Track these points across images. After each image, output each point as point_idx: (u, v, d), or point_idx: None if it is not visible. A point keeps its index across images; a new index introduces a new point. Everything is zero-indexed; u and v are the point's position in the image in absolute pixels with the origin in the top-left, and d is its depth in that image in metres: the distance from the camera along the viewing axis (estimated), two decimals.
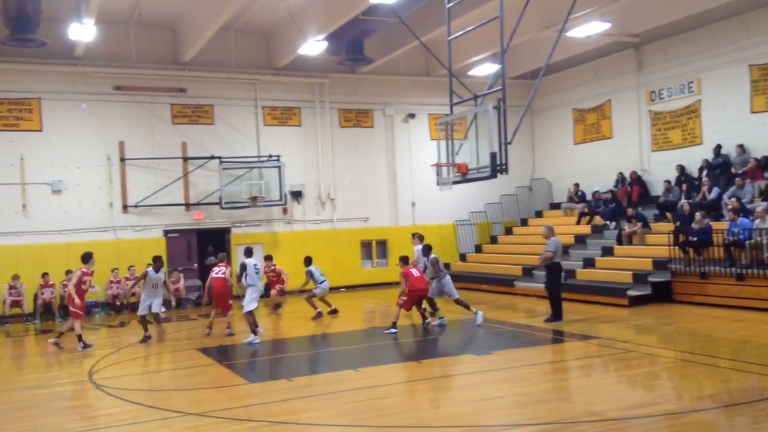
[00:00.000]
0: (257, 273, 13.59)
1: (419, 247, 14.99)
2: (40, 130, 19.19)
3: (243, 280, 13.40)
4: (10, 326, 17.06)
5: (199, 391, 9.71)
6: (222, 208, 20.42)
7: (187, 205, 20.70)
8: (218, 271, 14.27)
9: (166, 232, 20.47)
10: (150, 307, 13.80)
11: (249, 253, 13.99)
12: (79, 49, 18.52)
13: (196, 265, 20.93)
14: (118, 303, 18.89)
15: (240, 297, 13.80)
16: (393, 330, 13.26)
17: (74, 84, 19.48)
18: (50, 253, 18.71)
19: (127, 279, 19.04)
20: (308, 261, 16.52)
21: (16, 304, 17.52)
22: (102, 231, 19.70)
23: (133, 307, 18.78)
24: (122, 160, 20.00)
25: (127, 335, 15.28)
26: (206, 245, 21.11)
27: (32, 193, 18.99)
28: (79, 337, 13.08)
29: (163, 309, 14.58)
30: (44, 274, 17.92)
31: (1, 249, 18.37)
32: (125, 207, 19.99)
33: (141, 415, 8.30)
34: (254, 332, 13.05)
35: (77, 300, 13.23)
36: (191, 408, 8.52)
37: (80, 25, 16.03)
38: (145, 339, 13.72)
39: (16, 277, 17.59)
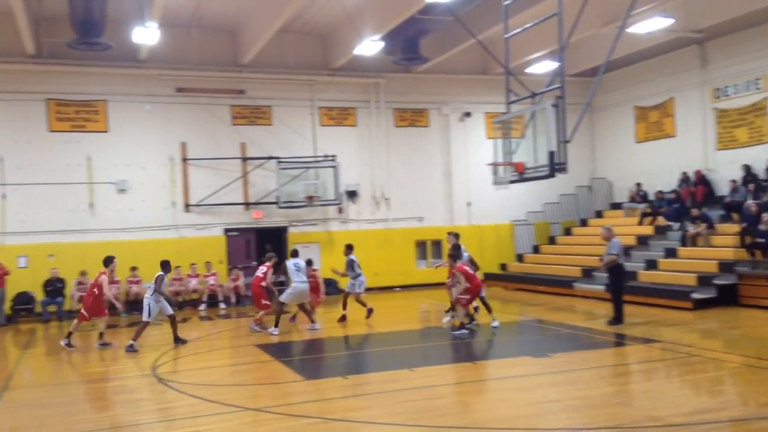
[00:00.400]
0: (298, 271, 14.15)
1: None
2: (106, 131, 19.84)
3: (270, 278, 14.43)
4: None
5: (257, 386, 9.88)
6: (279, 207, 20.72)
7: (246, 205, 21.08)
8: (259, 270, 14.74)
9: (226, 231, 20.89)
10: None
11: (294, 254, 14.60)
12: (143, 52, 19.06)
13: (254, 263, 21.26)
14: (180, 299, 19.35)
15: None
16: (464, 330, 13.06)
17: (138, 86, 20.07)
18: (116, 251, 19.14)
19: (189, 276, 19.48)
20: (349, 249, 15.86)
21: (83, 299, 18.11)
22: (165, 229, 20.23)
23: (195, 303, 19.30)
24: (184, 160, 20.51)
25: (189, 330, 15.64)
26: (264, 244, 21.43)
27: (99, 192, 19.65)
28: (101, 335, 13.56)
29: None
30: (174, 269, 18.54)
31: (70, 246, 19.06)
32: (187, 206, 20.49)
33: (201, 409, 8.49)
34: (277, 325, 13.89)
35: (117, 304, 14.20)
36: (249, 403, 8.67)
37: (144, 29, 16.50)
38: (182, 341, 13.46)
39: (83, 273, 18.22)
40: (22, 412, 9.00)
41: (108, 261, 13.88)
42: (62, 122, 19.45)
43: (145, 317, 13.00)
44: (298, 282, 14.12)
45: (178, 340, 13.37)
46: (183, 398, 9.04)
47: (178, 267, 19.43)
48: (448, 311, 14.78)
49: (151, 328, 16.33)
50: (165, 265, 13.69)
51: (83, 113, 19.68)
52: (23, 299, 18.29)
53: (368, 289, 21.90)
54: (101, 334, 13.66)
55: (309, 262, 15.16)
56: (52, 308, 18.03)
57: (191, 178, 20.56)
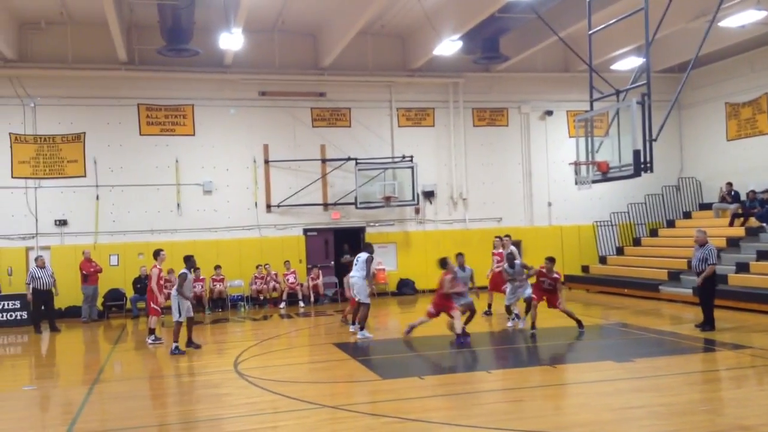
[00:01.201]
0: (355, 264, 13.91)
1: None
2: (193, 135, 20.56)
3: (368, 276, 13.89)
4: (165, 317, 18.37)
5: (335, 384, 10.02)
6: (357, 207, 20.93)
7: (325, 205, 21.40)
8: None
9: (305, 231, 21.28)
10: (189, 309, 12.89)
11: (364, 248, 14.42)
12: (228, 58, 19.65)
13: (332, 262, 21.59)
14: (261, 297, 19.83)
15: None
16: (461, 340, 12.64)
17: (223, 90, 20.71)
18: (201, 250, 19.95)
19: (257, 277, 19.86)
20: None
21: (170, 297, 18.79)
22: (248, 229, 20.79)
23: (275, 301, 19.73)
24: (266, 162, 21.01)
25: (270, 328, 16.03)
26: (342, 244, 21.72)
27: (185, 194, 20.39)
28: (151, 331, 13.67)
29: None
30: (196, 269, 19.11)
31: (158, 245, 19.79)
32: (269, 206, 20.98)
33: (280, 405, 8.68)
34: (362, 327, 13.43)
35: (160, 297, 13.72)
36: (327, 401, 8.80)
37: (229, 35, 17.00)
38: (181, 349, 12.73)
39: (171, 272, 18.91)
40: (112, 404, 9.45)
41: (156, 254, 13.91)
42: (152, 126, 20.29)
43: (175, 317, 12.65)
44: (358, 278, 13.82)
45: (191, 344, 12.96)
46: (264, 394, 9.26)
47: (260, 265, 19.89)
48: (510, 318, 14.51)
49: (233, 325, 16.90)
50: (188, 261, 12.88)
51: (171, 117, 20.47)
52: (114, 296, 19.20)
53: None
54: (151, 330, 13.79)
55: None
56: (141, 305, 18.80)
57: (273, 180, 21.04)
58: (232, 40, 17.28)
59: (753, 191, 19.92)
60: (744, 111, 21.60)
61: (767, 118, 20.75)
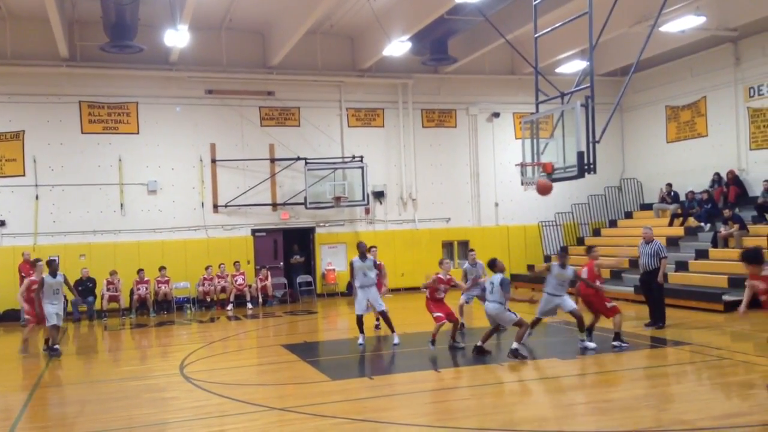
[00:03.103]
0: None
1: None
2: (137, 133, 20.12)
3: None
4: (108, 320, 17.95)
5: (284, 386, 9.94)
6: (307, 208, 20.83)
7: (274, 205, 21.22)
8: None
9: (253, 231, 21.06)
10: (57, 316, 12.50)
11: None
12: (174, 55, 19.30)
13: (282, 263, 21.42)
14: (209, 299, 19.54)
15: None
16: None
17: (169, 88, 20.33)
18: (145, 251, 19.62)
19: (219, 276, 19.66)
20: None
21: (113, 299, 18.41)
22: (194, 230, 20.46)
23: (222, 303, 19.47)
24: (213, 161, 20.72)
25: (217, 331, 15.81)
26: (291, 244, 21.58)
27: (129, 193, 19.94)
28: (25, 341, 12.82)
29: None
30: (139, 271, 18.76)
31: (101, 246, 19.38)
32: (216, 207, 20.70)
33: (228, 408, 8.56)
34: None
35: (25, 306, 13.11)
36: (276, 403, 8.73)
37: (175, 32, 16.70)
38: (55, 351, 12.54)
39: (113, 273, 18.50)
40: (53, 410, 9.17)
41: (34, 263, 13.50)
42: (94, 124, 19.78)
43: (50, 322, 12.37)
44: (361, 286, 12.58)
45: (50, 349, 12.57)
46: (211, 397, 9.13)
47: (209, 266, 19.61)
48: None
49: (178, 327, 16.60)
50: (50, 266, 12.73)
51: (115, 115, 19.99)
52: None
53: (394, 290, 22.02)
54: (25, 340, 12.93)
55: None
56: (82, 308, 18.33)
57: (220, 179, 20.76)
58: (177, 37, 16.98)
59: (692, 192, 20.59)
60: (683, 114, 22.30)
61: (705, 121, 21.47)
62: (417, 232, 22.53)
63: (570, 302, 11.56)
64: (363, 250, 12.51)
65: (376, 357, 12.31)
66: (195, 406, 8.74)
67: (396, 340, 12.42)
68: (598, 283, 11.57)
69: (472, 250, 14.18)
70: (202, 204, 20.60)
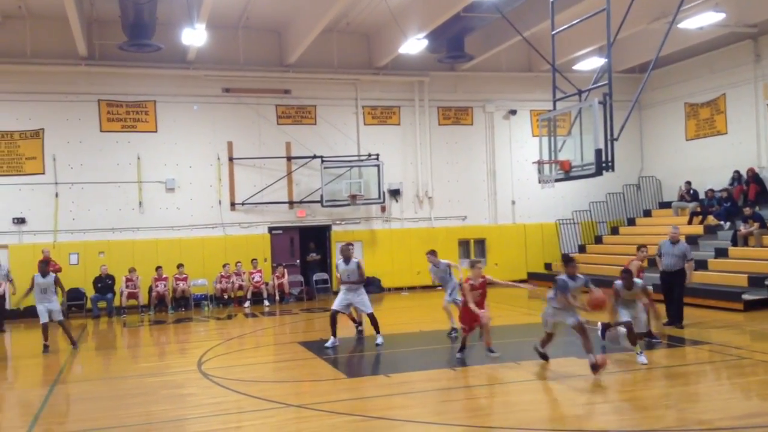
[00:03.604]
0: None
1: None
2: (155, 131, 20.26)
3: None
4: (127, 317, 18.11)
5: (300, 383, 9.97)
6: (323, 206, 20.87)
7: (290, 203, 21.29)
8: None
9: (270, 229, 21.14)
10: (50, 314, 12.95)
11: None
12: (191, 53, 19.40)
13: (298, 261, 21.49)
14: (226, 296, 19.64)
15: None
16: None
17: (186, 87, 20.44)
18: (164, 248, 19.77)
19: (236, 274, 19.76)
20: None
21: (132, 296, 18.57)
22: (211, 228, 20.58)
23: (240, 300, 19.58)
24: (230, 159, 20.81)
25: (235, 328, 15.90)
26: (308, 242, 21.64)
27: (147, 191, 20.08)
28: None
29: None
30: (158, 268, 18.90)
31: (120, 244, 19.55)
32: (233, 204, 20.79)
33: (245, 404, 8.61)
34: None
35: None
36: (292, 399, 8.76)
37: (192, 30, 16.78)
38: (46, 349, 12.85)
39: (132, 270, 18.65)
40: (72, 406, 9.27)
41: None
42: (113, 122, 19.94)
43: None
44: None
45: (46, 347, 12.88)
46: (228, 394, 9.18)
47: (227, 264, 19.73)
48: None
49: (196, 324, 16.71)
50: (39, 265, 13.13)
51: (133, 113, 20.14)
52: (74, 295, 18.77)
53: (411, 288, 22.01)
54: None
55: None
56: (102, 304, 18.51)
57: (237, 177, 20.86)
58: (195, 36, 17.06)
59: (711, 190, 20.39)
60: (703, 111, 22.08)
61: (725, 118, 21.24)
62: (433, 230, 22.50)
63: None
64: (347, 255, 12.41)
65: (392, 355, 12.31)
66: (212, 403, 8.79)
67: (379, 340, 12.28)
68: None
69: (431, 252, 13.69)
70: (220, 202, 20.71)
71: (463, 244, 22.99)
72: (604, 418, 7.70)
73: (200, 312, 18.74)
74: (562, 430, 7.22)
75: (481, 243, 23.09)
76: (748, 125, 20.28)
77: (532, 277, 22.35)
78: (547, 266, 22.76)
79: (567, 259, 9.91)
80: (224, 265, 19.70)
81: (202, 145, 20.61)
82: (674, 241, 13.26)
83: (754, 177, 19.53)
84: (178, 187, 20.35)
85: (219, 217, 20.66)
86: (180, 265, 19.19)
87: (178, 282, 19.12)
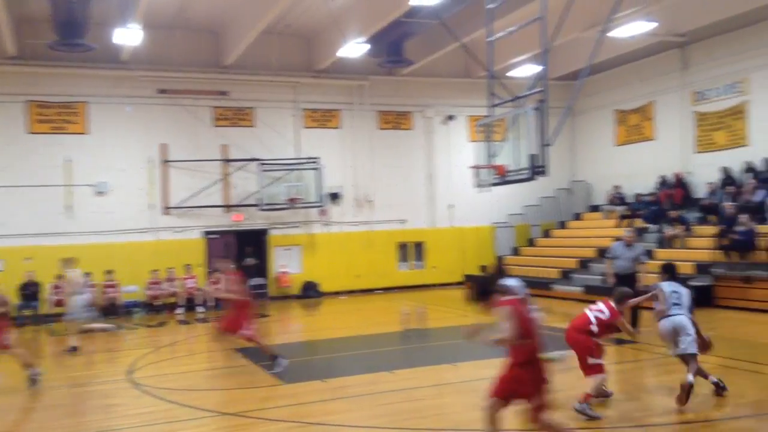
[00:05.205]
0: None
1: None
2: (86, 133, 19.65)
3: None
4: (54, 325, 17.47)
5: (235, 391, 9.81)
6: (261, 209, 20.63)
7: (227, 207, 20.96)
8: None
9: (205, 233, 20.76)
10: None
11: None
12: (125, 53, 18.91)
13: (234, 266, 21.09)
14: (157, 304, 19.16)
15: None
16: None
17: (119, 87, 19.90)
18: (93, 254, 19.12)
19: (168, 280, 19.33)
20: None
21: (60, 303, 17.90)
22: (143, 232, 20.07)
23: (172, 307, 19.14)
24: (164, 162, 20.36)
25: (166, 335, 15.53)
26: (245, 246, 21.34)
27: (77, 195, 19.44)
28: None
29: None
30: (86, 275, 18.26)
31: (47, 249, 18.82)
32: (166, 208, 20.34)
33: (177, 414, 8.41)
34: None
35: None
36: (226, 408, 8.61)
37: (126, 30, 16.36)
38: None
39: (60, 277, 17.99)
40: None
41: None
42: (42, 124, 19.24)
43: None
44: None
45: None
46: (159, 403, 8.95)
47: (157, 270, 19.27)
48: None
49: (126, 332, 16.27)
50: None
51: (63, 115, 19.49)
52: None
53: (350, 292, 21.93)
54: None
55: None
56: (27, 312, 17.80)
57: (171, 181, 20.41)
58: (129, 36, 16.65)
59: (639, 194, 21.11)
60: (631, 118, 22.82)
61: (653, 125, 22.00)
62: (373, 234, 22.53)
63: None
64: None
65: (329, 359, 12.25)
66: (143, 413, 8.56)
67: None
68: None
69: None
70: (153, 206, 20.22)
71: (402, 248, 23.12)
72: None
73: (131, 319, 18.23)
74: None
75: (419, 246, 23.25)
76: (675, 132, 21.06)
77: (470, 280, 22.66)
78: (483, 268, 23.08)
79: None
80: (153, 271, 19.22)
81: (134, 147, 20.10)
82: (628, 244, 13.07)
83: (679, 181, 20.30)
84: (110, 191, 19.77)
85: (151, 222, 20.17)
86: (109, 272, 18.63)
87: (107, 289, 18.55)
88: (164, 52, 20.14)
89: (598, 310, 8.30)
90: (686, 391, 7.74)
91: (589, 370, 7.99)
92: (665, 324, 8.41)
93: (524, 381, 5.97)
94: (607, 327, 8.19)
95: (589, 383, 7.91)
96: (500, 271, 8.37)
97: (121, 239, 19.68)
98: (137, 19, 16.09)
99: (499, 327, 5.82)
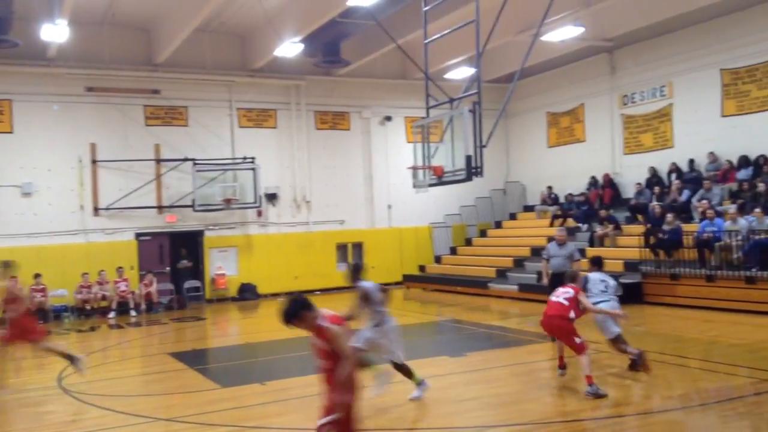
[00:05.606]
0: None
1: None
2: (11, 132, 18.88)
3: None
4: None
5: (171, 396, 9.61)
6: (195, 210, 20.25)
7: (160, 208, 20.49)
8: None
9: (137, 235, 20.24)
10: None
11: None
12: (52, 50, 18.25)
13: (168, 268, 20.71)
14: (88, 307, 18.59)
15: None
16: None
17: (46, 85, 19.18)
18: (20, 257, 18.26)
19: (99, 283, 18.77)
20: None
21: None
22: (72, 234, 19.42)
23: (104, 311, 18.59)
24: (94, 162, 19.75)
25: (98, 340, 15.08)
26: (179, 248, 20.91)
27: (2, 196, 18.66)
28: None
29: None
30: (12, 278, 17.53)
31: None
32: (96, 210, 19.74)
33: (110, 421, 8.18)
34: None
35: None
36: (162, 413, 8.43)
37: (53, 26, 15.80)
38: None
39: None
40: None
41: None
42: None
43: None
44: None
45: None
46: (91, 410, 8.70)
47: (86, 274, 18.68)
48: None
49: (56, 337, 15.71)
50: None
51: None
52: None
53: (288, 293, 21.71)
54: None
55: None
56: None
57: (101, 181, 19.81)
58: (56, 32, 16.07)
59: (570, 194, 21.71)
60: (563, 120, 23.44)
61: (583, 127, 22.65)
62: (311, 235, 22.43)
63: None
64: None
65: (267, 362, 12.14)
66: (74, 420, 8.31)
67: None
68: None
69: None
70: (82, 207, 19.59)
71: (341, 248, 23.08)
72: (473, 414, 7.96)
73: (60, 324, 17.61)
74: (433, 428, 7.40)
75: (358, 247, 23.27)
76: (604, 134, 21.75)
77: (408, 279, 22.85)
78: (421, 268, 23.29)
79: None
80: (83, 274, 18.63)
81: (62, 147, 19.42)
82: (561, 243, 13.12)
83: (608, 182, 20.98)
84: (36, 192, 19.05)
85: (81, 223, 19.54)
86: (37, 275, 17.94)
87: (35, 293, 17.85)
88: (93, 49, 19.53)
89: (564, 293, 8.87)
90: (643, 358, 8.94)
91: (579, 348, 8.55)
92: (598, 318, 9.19)
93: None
94: (577, 304, 8.79)
95: (582, 364, 8.49)
96: (357, 270, 8.19)
97: (50, 242, 18.99)
98: (64, 15, 15.55)
99: (337, 351, 5.18)
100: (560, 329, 8.79)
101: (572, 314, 8.68)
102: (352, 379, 5.19)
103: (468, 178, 12.98)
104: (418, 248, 23.87)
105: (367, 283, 8.46)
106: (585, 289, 9.26)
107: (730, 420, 7.28)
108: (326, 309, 5.35)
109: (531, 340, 12.53)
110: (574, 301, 8.75)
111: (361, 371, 6.82)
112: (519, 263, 19.92)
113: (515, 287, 18.39)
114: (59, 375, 10.84)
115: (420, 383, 8.53)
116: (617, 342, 9.27)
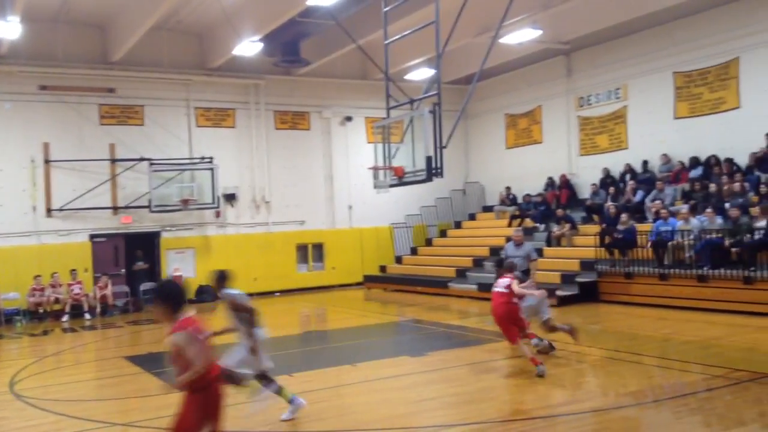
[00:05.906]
0: None
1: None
2: None
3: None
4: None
5: (127, 400, 9.44)
6: (151, 211, 19.93)
7: (115, 209, 20.11)
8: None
9: (92, 237, 19.83)
10: None
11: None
12: (4, 48, 17.80)
13: (123, 270, 20.34)
14: (40, 311, 18.15)
15: None
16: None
17: None
18: None
19: (52, 286, 18.34)
20: None
21: None
22: (25, 236, 18.94)
23: (57, 314, 18.17)
24: (47, 161, 19.29)
25: (51, 344, 14.73)
26: (135, 250, 20.54)
27: None
28: None
29: None
30: None
31: None
32: (49, 211, 19.28)
33: (64, 426, 8.00)
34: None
35: None
36: (118, 418, 8.27)
37: (5, 23, 15.36)
38: None
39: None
40: None
41: None
42: None
43: None
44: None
45: None
46: (45, 416, 8.48)
47: (39, 276, 18.24)
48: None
49: (8, 342, 15.34)
50: None
51: None
52: None
53: (248, 295, 21.55)
54: None
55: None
56: None
57: (54, 181, 19.36)
58: (8, 29, 15.62)
59: (528, 195, 21.99)
60: (521, 121, 23.73)
61: (540, 128, 22.97)
62: (271, 236, 22.27)
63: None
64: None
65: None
66: (27, 426, 8.09)
67: None
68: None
69: None
70: (34, 208, 19.11)
71: (302, 249, 22.98)
72: (433, 414, 8.00)
73: (12, 328, 17.16)
74: (394, 429, 7.42)
75: (319, 247, 23.19)
76: (561, 135, 22.09)
77: (368, 280, 22.84)
78: (382, 269, 23.32)
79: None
80: (35, 277, 18.18)
81: (14, 146, 18.93)
82: (518, 243, 13.24)
83: (565, 183, 21.32)
84: None
85: (34, 225, 19.07)
86: None
87: None
88: (46, 47, 19.09)
89: (504, 284, 9.81)
90: (571, 330, 10.68)
91: (513, 337, 9.65)
92: (529, 301, 10.34)
93: (203, 406, 5.24)
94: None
95: (523, 352, 9.59)
96: (223, 279, 7.95)
97: (1, 243, 18.48)
98: (16, 12, 15.15)
99: (181, 359, 5.05)
100: (508, 313, 9.64)
101: (515, 299, 9.71)
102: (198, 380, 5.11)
103: (428, 179, 13.04)
104: (378, 249, 23.89)
105: (234, 291, 8.18)
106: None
107: (683, 415, 7.46)
108: (194, 314, 5.35)
109: (490, 339, 12.64)
110: (512, 289, 9.71)
111: (236, 390, 7.03)
112: (478, 263, 20.10)
113: (474, 287, 18.55)
114: (11, 380, 10.56)
115: (291, 400, 7.95)
116: (548, 323, 10.63)
